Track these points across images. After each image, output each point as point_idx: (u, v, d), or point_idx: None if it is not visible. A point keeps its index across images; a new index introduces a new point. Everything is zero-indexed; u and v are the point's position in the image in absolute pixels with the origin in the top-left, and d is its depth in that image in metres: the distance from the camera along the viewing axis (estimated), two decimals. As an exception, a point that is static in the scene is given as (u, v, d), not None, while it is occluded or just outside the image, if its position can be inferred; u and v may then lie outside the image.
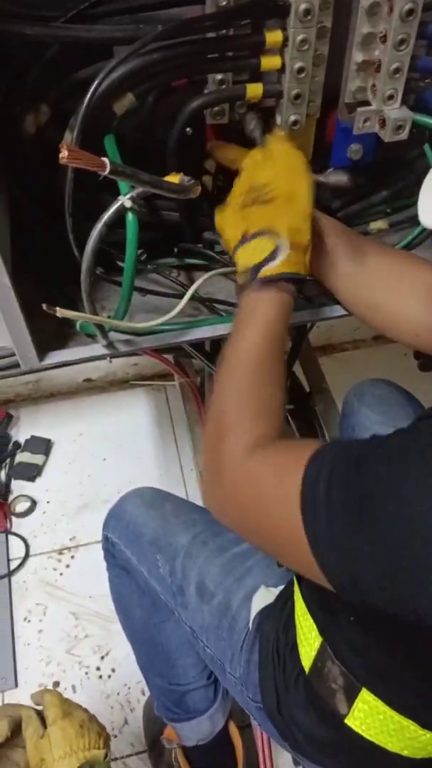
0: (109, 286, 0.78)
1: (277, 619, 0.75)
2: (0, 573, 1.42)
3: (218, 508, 0.61)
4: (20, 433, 1.66)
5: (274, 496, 0.53)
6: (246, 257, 0.63)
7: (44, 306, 0.61)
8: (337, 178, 0.67)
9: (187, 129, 0.68)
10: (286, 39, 0.63)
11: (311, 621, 0.68)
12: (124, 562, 0.94)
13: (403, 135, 0.70)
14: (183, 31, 0.60)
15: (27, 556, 1.46)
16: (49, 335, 0.75)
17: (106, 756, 0.64)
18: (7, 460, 1.59)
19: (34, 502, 1.54)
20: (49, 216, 0.69)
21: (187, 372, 1.41)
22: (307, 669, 0.68)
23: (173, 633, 0.93)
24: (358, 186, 0.84)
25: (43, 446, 1.62)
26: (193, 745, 1.04)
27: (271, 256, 0.62)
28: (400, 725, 0.62)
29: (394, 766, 0.66)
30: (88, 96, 0.60)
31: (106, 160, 0.55)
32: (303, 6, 0.60)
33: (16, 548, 1.47)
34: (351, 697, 0.64)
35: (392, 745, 0.63)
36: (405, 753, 0.63)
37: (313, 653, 0.67)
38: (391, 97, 0.68)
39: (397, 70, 0.66)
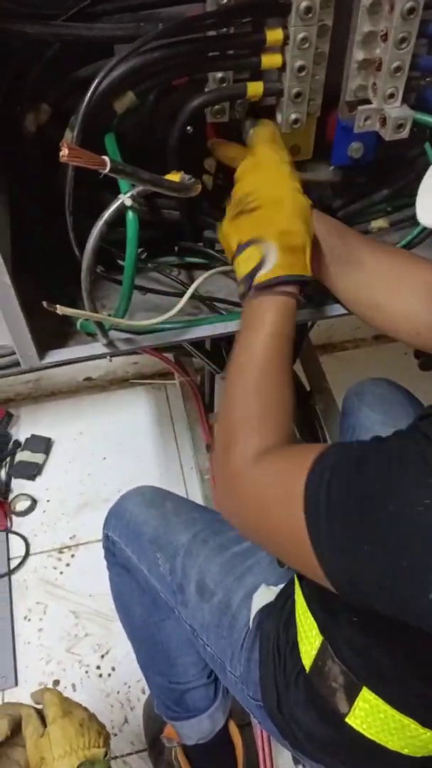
0: (109, 284, 0.78)
1: (278, 618, 0.75)
2: (0, 572, 1.42)
3: (228, 512, 0.62)
4: (20, 431, 1.66)
5: (280, 501, 0.53)
6: (240, 267, 0.65)
7: (44, 303, 0.61)
8: (320, 174, 0.68)
9: (188, 127, 0.68)
10: (286, 37, 0.63)
11: (312, 620, 0.68)
12: (125, 560, 0.94)
13: (404, 133, 0.70)
14: (184, 29, 0.60)
15: (27, 554, 1.46)
16: (50, 334, 0.75)
17: (106, 755, 0.64)
18: (8, 459, 1.59)
19: (34, 501, 1.54)
20: (50, 215, 0.69)
21: (188, 371, 1.41)
22: (307, 667, 0.68)
23: (173, 631, 0.93)
24: (358, 184, 0.84)
25: (44, 445, 1.62)
26: (193, 743, 1.04)
27: (262, 263, 0.63)
28: (400, 724, 0.62)
29: (395, 764, 0.66)
30: (89, 94, 0.59)
31: (106, 158, 0.55)
32: (304, 4, 0.60)
33: (17, 547, 1.47)
34: (351, 696, 0.64)
35: (393, 743, 0.63)
36: (405, 751, 0.64)
37: (314, 652, 0.67)
38: (391, 95, 0.68)
39: (398, 69, 0.66)
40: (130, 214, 0.62)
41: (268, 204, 0.65)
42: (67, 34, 0.59)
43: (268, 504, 0.55)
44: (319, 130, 0.74)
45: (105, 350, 0.75)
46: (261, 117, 0.72)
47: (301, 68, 0.64)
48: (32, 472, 1.58)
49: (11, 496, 1.55)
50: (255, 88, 0.66)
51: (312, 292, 0.80)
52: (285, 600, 0.75)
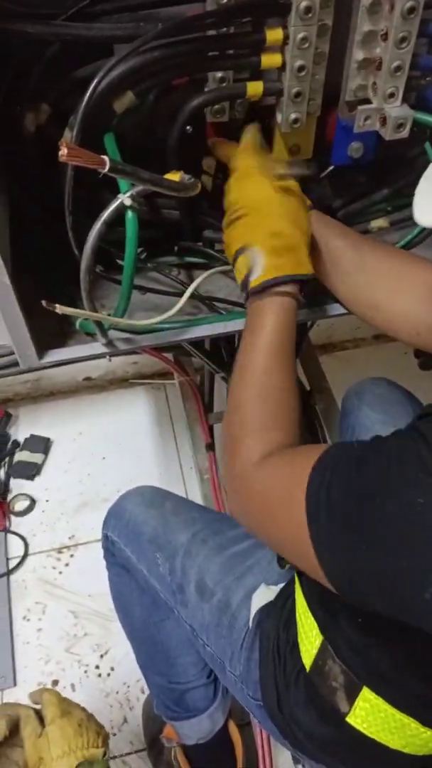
0: (108, 284, 0.78)
1: (278, 617, 0.75)
2: (-1, 572, 1.42)
3: (235, 511, 0.64)
4: (19, 431, 1.66)
5: (283, 501, 0.54)
6: (237, 275, 0.67)
7: (44, 302, 0.61)
8: (298, 171, 0.68)
9: (188, 127, 0.68)
10: (286, 37, 0.62)
11: (312, 619, 0.68)
12: (124, 560, 0.94)
13: (404, 133, 0.70)
14: (183, 29, 0.60)
15: (26, 554, 1.46)
16: (49, 334, 0.75)
17: (104, 755, 0.64)
18: (6, 459, 1.59)
19: (33, 501, 1.54)
20: (50, 215, 0.69)
21: (187, 370, 1.41)
22: (307, 667, 0.68)
23: (173, 631, 0.93)
24: (358, 184, 0.84)
25: (43, 445, 1.62)
26: (193, 743, 1.04)
27: (251, 269, 0.64)
28: (401, 723, 0.62)
29: (395, 763, 0.66)
30: (88, 94, 0.59)
31: (105, 157, 0.54)
32: (304, 4, 0.60)
33: (15, 547, 1.47)
34: (352, 696, 0.64)
35: (393, 742, 0.63)
36: (406, 750, 0.64)
37: (314, 651, 0.67)
38: (391, 95, 0.68)
39: (398, 68, 0.66)
40: (129, 214, 0.62)
41: (251, 211, 0.66)
42: (66, 33, 0.59)
43: (272, 505, 0.57)
44: (319, 130, 0.74)
45: (104, 350, 0.75)
46: (260, 117, 0.73)
47: (301, 68, 0.64)
48: (31, 472, 1.58)
49: (10, 496, 1.54)
50: (255, 88, 0.66)
51: (312, 291, 0.80)
52: (285, 600, 0.75)
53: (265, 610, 0.77)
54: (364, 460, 0.49)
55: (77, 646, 1.34)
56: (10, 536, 1.48)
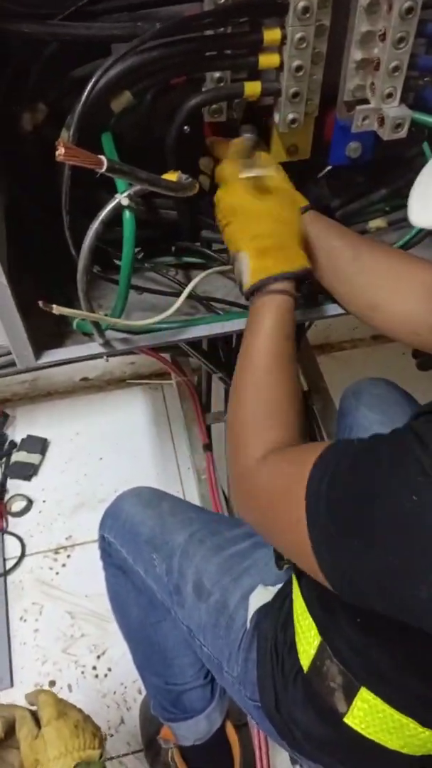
0: (106, 284, 0.78)
1: (276, 618, 0.75)
2: (-4, 572, 1.42)
3: (239, 508, 0.65)
4: (16, 432, 1.66)
5: (284, 500, 0.55)
6: (237, 281, 0.69)
7: (40, 303, 0.61)
8: (255, 172, 0.69)
9: (185, 127, 0.68)
10: (284, 37, 0.62)
11: (310, 620, 0.68)
12: (121, 561, 0.94)
13: (402, 133, 0.70)
14: (181, 28, 0.60)
15: (23, 555, 1.46)
16: (46, 334, 0.75)
17: (101, 756, 0.63)
18: (3, 460, 1.59)
19: (30, 502, 1.54)
20: (49, 215, 0.68)
21: (184, 371, 1.40)
22: (305, 668, 0.68)
23: (170, 632, 0.93)
24: (356, 184, 0.84)
25: (40, 445, 1.61)
26: (190, 744, 1.04)
27: (242, 274, 0.66)
28: (399, 723, 0.62)
29: (393, 763, 0.66)
30: (85, 94, 0.59)
31: (103, 157, 0.54)
32: (301, 4, 0.60)
33: (12, 547, 1.47)
34: (350, 696, 0.64)
35: (391, 742, 0.63)
36: (404, 750, 0.64)
37: (312, 652, 0.67)
38: (389, 95, 0.68)
39: (396, 69, 0.66)
40: (126, 214, 0.62)
41: (233, 217, 0.68)
42: (64, 33, 0.59)
43: (273, 502, 0.57)
44: (317, 130, 0.74)
45: (101, 350, 0.75)
46: (259, 117, 0.72)
47: (299, 68, 0.64)
48: (28, 472, 1.57)
49: (7, 497, 1.54)
50: (252, 88, 0.66)
51: (310, 291, 0.80)
52: (282, 600, 0.75)
53: (263, 610, 0.77)
54: (362, 459, 0.50)
55: (74, 647, 1.33)
56: (6, 537, 1.48)
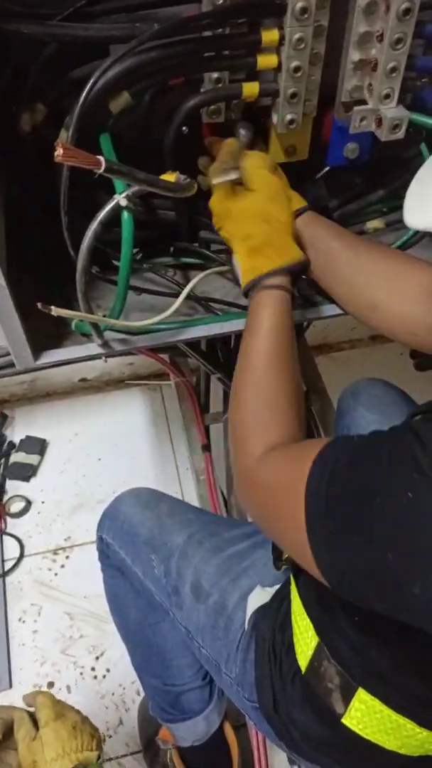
0: (104, 285, 0.78)
1: (273, 619, 0.75)
2: (-5, 573, 1.42)
3: (243, 505, 0.68)
4: (15, 433, 1.66)
5: (284, 496, 0.55)
6: (236, 281, 0.71)
7: (39, 305, 0.61)
8: (232, 176, 0.70)
9: (184, 128, 0.68)
10: (282, 38, 0.62)
11: (308, 621, 0.68)
12: (119, 562, 0.94)
13: (400, 134, 0.70)
14: (179, 29, 0.60)
15: (22, 556, 1.45)
16: (45, 335, 0.75)
17: (99, 757, 0.63)
18: (2, 460, 1.59)
19: (28, 503, 1.54)
20: (48, 215, 0.68)
21: (183, 371, 1.40)
22: (303, 668, 0.68)
23: (168, 633, 0.93)
24: (354, 185, 0.84)
25: (38, 446, 1.61)
26: (189, 745, 1.04)
27: (238, 275, 0.68)
28: (397, 724, 0.62)
29: (391, 764, 0.66)
30: (84, 94, 0.59)
31: (101, 158, 0.54)
32: (300, 5, 0.60)
33: (11, 549, 1.47)
34: (347, 697, 0.64)
35: (389, 743, 0.63)
36: (402, 751, 0.64)
37: (310, 652, 0.67)
38: (387, 96, 0.68)
39: (393, 69, 0.66)
40: (125, 215, 0.62)
41: (222, 222, 0.70)
42: (63, 34, 0.59)
43: (274, 498, 0.58)
44: (315, 131, 0.74)
45: (100, 351, 0.75)
46: (257, 118, 0.72)
47: (297, 69, 0.64)
48: (27, 473, 1.57)
49: (6, 498, 1.54)
50: (251, 89, 0.66)
51: (308, 291, 0.80)
52: (280, 601, 0.75)
53: (261, 611, 0.77)
54: (361, 457, 0.50)
55: (73, 648, 1.33)
56: (5, 538, 1.48)
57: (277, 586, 0.78)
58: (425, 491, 0.44)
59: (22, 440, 1.62)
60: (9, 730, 0.66)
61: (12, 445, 1.62)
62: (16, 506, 1.53)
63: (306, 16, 0.61)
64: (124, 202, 0.61)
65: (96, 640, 1.34)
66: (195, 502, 1.31)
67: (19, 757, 0.63)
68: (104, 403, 1.74)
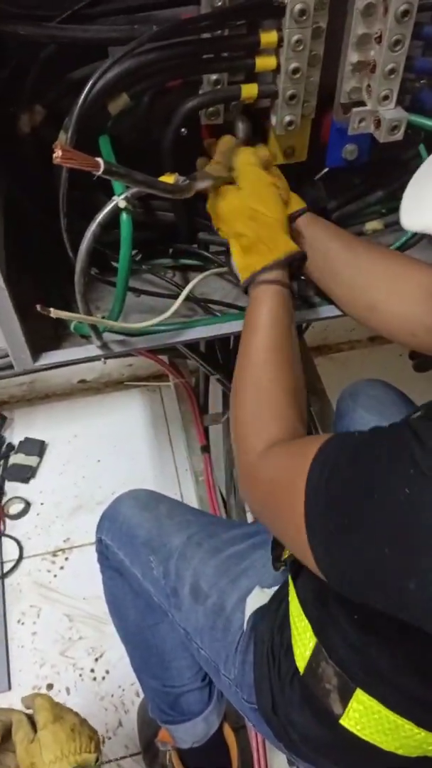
0: (103, 286, 0.78)
1: (272, 620, 0.75)
2: (-6, 575, 1.42)
3: (246, 500, 0.68)
4: (14, 434, 1.66)
5: (285, 491, 0.55)
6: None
7: (38, 307, 0.61)
8: (204, 183, 0.70)
9: (182, 129, 0.68)
10: (281, 39, 0.63)
11: (306, 622, 0.68)
12: (118, 564, 0.94)
13: (398, 136, 0.70)
14: (178, 31, 0.60)
15: (21, 558, 1.45)
16: (44, 336, 0.75)
17: (97, 760, 0.63)
18: (1, 462, 1.59)
19: (27, 504, 1.54)
20: (48, 217, 0.68)
21: (182, 373, 1.40)
22: (301, 669, 0.68)
23: (167, 635, 0.93)
24: (353, 186, 0.84)
25: (37, 448, 1.61)
26: (188, 747, 1.04)
27: (237, 273, 0.69)
28: (395, 724, 0.62)
29: (389, 765, 0.66)
30: (83, 96, 0.59)
31: (100, 160, 0.54)
32: (298, 6, 0.60)
33: (10, 550, 1.46)
34: (345, 698, 0.64)
35: (387, 744, 0.63)
36: (400, 752, 0.64)
37: (308, 653, 0.67)
38: (386, 97, 0.68)
39: (392, 71, 0.66)
40: (123, 216, 0.62)
41: (219, 221, 0.71)
42: (62, 35, 0.59)
43: (275, 494, 0.58)
44: (313, 132, 0.74)
45: (99, 352, 0.75)
46: (256, 119, 0.73)
47: (296, 70, 0.64)
48: (26, 475, 1.57)
49: (5, 499, 1.54)
50: (249, 90, 0.66)
51: (307, 293, 0.80)
52: (279, 603, 0.75)
53: (260, 613, 0.77)
54: (361, 453, 0.50)
55: (72, 650, 1.33)
56: (4, 539, 1.48)
57: (276, 588, 0.78)
58: (422, 488, 0.44)
59: (21, 442, 1.62)
60: (7, 733, 0.66)
61: (11, 446, 1.62)
62: (15, 508, 1.53)
63: (305, 17, 0.61)
64: (122, 204, 0.61)
65: (95, 642, 1.33)
66: (194, 503, 1.31)
67: (17, 759, 0.63)
68: (103, 405, 1.74)
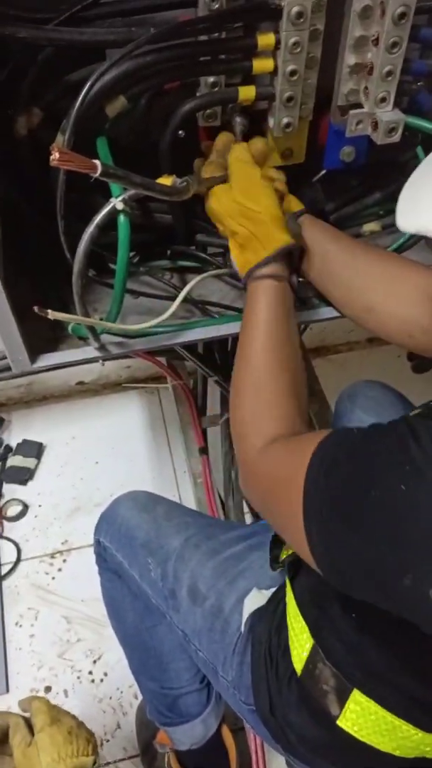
0: (101, 288, 0.78)
1: (270, 622, 0.75)
2: (-8, 577, 1.41)
3: (246, 494, 0.68)
4: (12, 436, 1.65)
5: (284, 487, 0.55)
6: None
7: (36, 308, 0.61)
8: (201, 185, 0.70)
9: (180, 131, 0.68)
10: (278, 42, 0.63)
11: (303, 623, 0.68)
12: (116, 566, 0.94)
13: (396, 137, 0.70)
14: (175, 33, 0.60)
15: (19, 560, 1.45)
16: (41, 338, 0.75)
17: (94, 762, 0.63)
18: (-1, 464, 1.58)
19: (25, 506, 1.53)
20: (46, 219, 0.68)
21: (180, 374, 1.40)
22: (299, 671, 0.68)
23: (165, 637, 0.92)
24: (351, 188, 0.84)
25: (35, 449, 1.61)
26: (186, 749, 1.03)
27: (237, 271, 0.70)
28: (392, 725, 0.62)
29: (386, 766, 0.66)
30: (80, 98, 0.59)
31: (97, 162, 0.54)
32: (295, 9, 0.60)
33: (8, 552, 1.46)
34: (342, 698, 0.64)
35: (384, 745, 0.63)
36: (397, 753, 0.64)
37: (305, 654, 0.67)
38: (383, 99, 0.68)
39: (389, 73, 0.66)
40: (121, 218, 0.62)
41: (216, 221, 0.71)
42: (59, 38, 0.59)
43: (274, 490, 0.58)
44: (311, 134, 0.74)
45: (97, 354, 0.75)
46: (253, 121, 0.73)
47: (293, 72, 0.64)
48: (24, 477, 1.57)
49: (2, 501, 1.54)
50: (247, 93, 0.66)
51: (305, 294, 0.80)
52: (277, 604, 0.75)
53: (257, 614, 0.77)
54: (359, 450, 0.50)
55: (70, 652, 1.33)
56: (2, 542, 1.47)
57: (274, 589, 0.78)
58: (418, 485, 0.44)
59: (19, 444, 1.62)
60: (4, 736, 0.65)
61: (9, 448, 1.62)
62: (13, 510, 1.53)
63: (302, 20, 0.61)
64: (120, 206, 0.61)
65: (93, 644, 1.33)
66: (192, 505, 1.31)
67: (14, 762, 0.63)
68: (101, 407, 1.74)
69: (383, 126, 0.69)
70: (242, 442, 0.64)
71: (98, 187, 0.61)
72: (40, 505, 1.54)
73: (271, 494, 0.59)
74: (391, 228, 0.87)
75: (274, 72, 0.65)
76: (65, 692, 1.28)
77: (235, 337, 0.71)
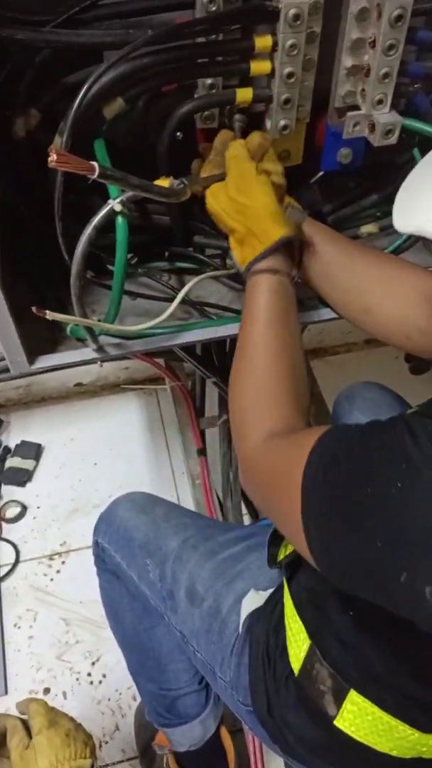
0: (99, 289, 0.78)
1: (267, 622, 0.75)
2: (-10, 579, 1.41)
3: (245, 489, 0.68)
4: (10, 438, 1.65)
5: (284, 482, 0.55)
6: None
7: (34, 309, 0.61)
8: (199, 186, 0.70)
9: (178, 133, 0.69)
10: (275, 44, 0.63)
11: (300, 623, 0.68)
12: (114, 567, 0.94)
13: (393, 139, 0.70)
14: (173, 35, 0.60)
15: (17, 561, 1.45)
16: (40, 339, 0.75)
17: (92, 765, 0.63)
18: (-2, 465, 1.58)
19: (24, 508, 1.53)
20: (43, 220, 0.69)
21: (178, 375, 1.41)
22: (296, 671, 0.68)
23: (164, 638, 0.92)
24: (348, 190, 0.84)
25: (34, 451, 1.61)
26: (185, 750, 1.03)
27: (237, 267, 0.70)
28: (389, 725, 0.62)
29: (384, 766, 0.66)
30: (78, 100, 0.60)
31: (95, 163, 0.54)
32: (292, 11, 0.60)
33: (6, 554, 1.46)
34: (339, 699, 0.64)
35: (381, 745, 0.63)
36: (394, 753, 0.64)
37: (302, 655, 0.67)
38: (380, 101, 0.68)
39: (386, 75, 0.66)
40: (119, 220, 0.62)
41: (215, 219, 0.71)
42: (57, 40, 0.60)
43: (273, 486, 0.58)
44: (308, 136, 0.74)
45: (95, 355, 0.75)
46: (251, 123, 0.73)
47: (290, 74, 0.65)
48: (22, 478, 1.57)
49: (1, 503, 1.53)
50: (244, 95, 0.66)
51: (303, 295, 0.80)
52: (274, 605, 0.75)
53: (255, 615, 0.77)
54: (358, 446, 0.50)
55: (69, 654, 1.33)
56: (1, 543, 1.47)
57: (271, 590, 0.78)
58: (414, 482, 0.44)
59: (17, 445, 1.62)
60: (2, 739, 0.65)
61: (7, 449, 1.61)
62: (11, 511, 1.53)
63: (299, 22, 0.61)
64: (118, 207, 0.61)
65: (92, 646, 1.33)
66: (191, 506, 1.31)
67: (12, 765, 0.63)
68: (100, 408, 1.74)
69: (380, 128, 0.69)
70: (241, 438, 0.64)
71: (96, 188, 0.61)
72: (38, 507, 1.54)
73: (271, 490, 0.59)
74: (388, 230, 0.87)
75: (272, 74, 0.65)
76: (64, 694, 1.28)
77: (234, 339, 0.71)
